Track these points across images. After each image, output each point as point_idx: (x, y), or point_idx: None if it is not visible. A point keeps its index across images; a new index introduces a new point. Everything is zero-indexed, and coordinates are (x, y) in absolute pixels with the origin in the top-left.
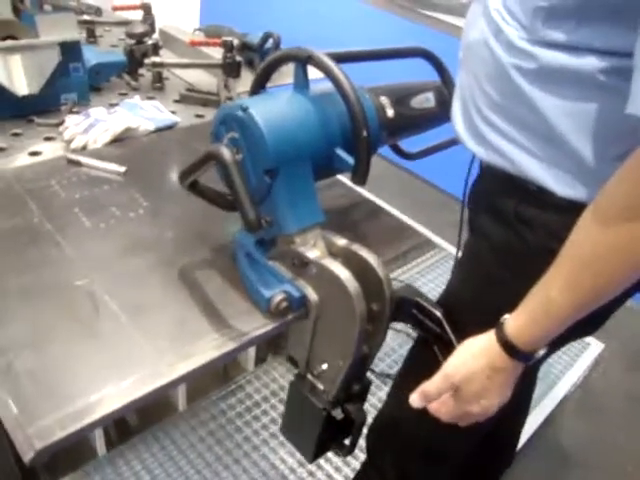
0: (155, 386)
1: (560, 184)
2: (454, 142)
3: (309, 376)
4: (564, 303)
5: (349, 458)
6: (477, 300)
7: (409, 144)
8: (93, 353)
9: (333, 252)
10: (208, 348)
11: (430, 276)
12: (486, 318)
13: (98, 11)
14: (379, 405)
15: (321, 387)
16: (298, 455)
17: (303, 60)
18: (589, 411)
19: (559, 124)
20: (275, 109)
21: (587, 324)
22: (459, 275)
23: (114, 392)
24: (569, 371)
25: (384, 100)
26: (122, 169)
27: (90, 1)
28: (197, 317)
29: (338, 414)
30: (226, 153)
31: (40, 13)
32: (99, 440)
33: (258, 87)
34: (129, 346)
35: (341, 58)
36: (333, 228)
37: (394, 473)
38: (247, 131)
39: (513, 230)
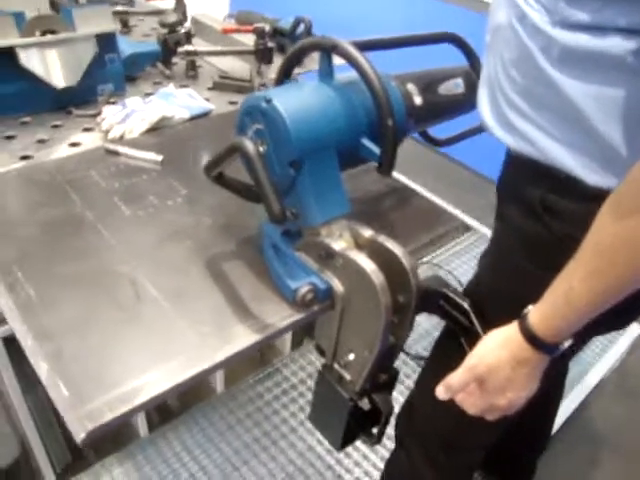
0: (200, 369)
1: (589, 172)
2: (481, 129)
3: (336, 366)
4: (584, 293)
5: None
6: (503, 290)
7: (439, 130)
8: (137, 337)
9: (359, 243)
10: (248, 332)
11: (464, 258)
12: (512, 309)
13: (131, 1)
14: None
15: (348, 377)
16: None
17: (328, 49)
18: (626, 394)
19: (586, 110)
20: (299, 100)
21: (615, 318)
22: (486, 264)
23: (160, 375)
24: (606, 354)
25: (411, 87)
26: (159, 158)
27: None
28: (235, 303)
29: (365, 404)
30: (249, 145)
31: (76, 6)
32: (141, 422)
33: (283, 76)
34: (172, 330)
35: (366, 46)
36: (369, 213)
37: (423, 460)
38: (271, 123)
39: (540, 220)
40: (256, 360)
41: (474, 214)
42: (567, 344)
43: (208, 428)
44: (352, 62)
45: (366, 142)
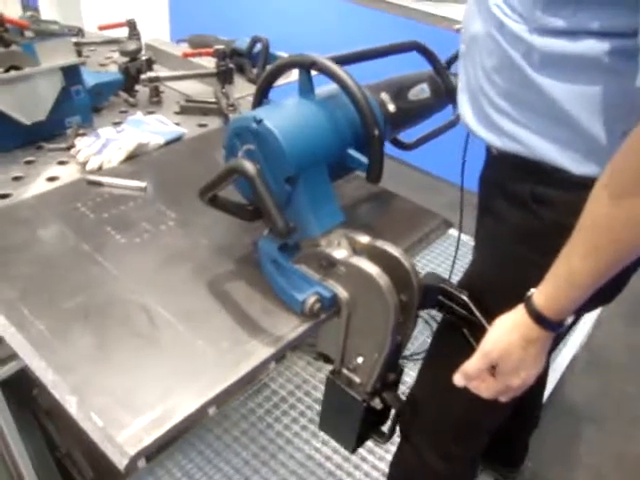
0: (226, 384)
1: (575, 163)
2: (447, 127)
3: (345, 371)
4: (586, 270)
5: None
6: (501, 279)
7: (405, 135)
8: (159, 361)
9: (357, 249)
10: (264, 345)
11: (430, 257)
12: (511, 295)
13: (81, 32)
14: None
15: (358, 380)
16: (332, 443)
17: (307, 66)
18: (597, 368)
19: (569, 108)
20: (288, 118)
21: (606, 292)
22: (480, 257)
23: (188, 395)
24: (574, 332)
25: (384, 96)
26: (143, 184)
27: (67, 23)
28: (248, 315)
29: (377, 404)
30: (249, 166)
31: (38, 41)
32: None
33: (262, 96)
34: (191, 351)
35: (343, 60)
36: (357, 219)
37: (433, 454)
38: (264, 142)
39: (530, 211)
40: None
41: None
42: (570, 320)
43: (205, 450)
44: (333, 77)
45: (353, 153)
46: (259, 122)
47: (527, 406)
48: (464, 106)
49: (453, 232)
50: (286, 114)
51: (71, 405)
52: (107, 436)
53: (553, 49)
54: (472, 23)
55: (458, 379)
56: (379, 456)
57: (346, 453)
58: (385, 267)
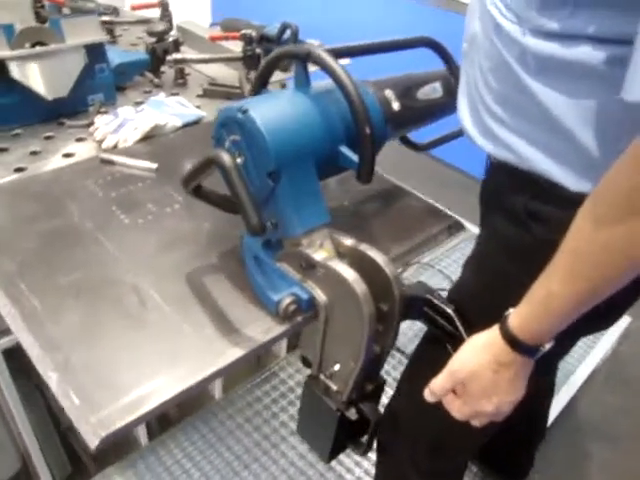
0: (207, 373)
1: (569, 178)
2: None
3: (322, 377)
4: (563, 295)
5: None
6: (486, 295)
7: (418, 135)
8: (144, 344)
9: (341, 252)
10: (253, 335)
11: (454, 256)
12: (495, 313)
13: (115, 11)
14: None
15: (334, 387)
16: None
17: (302, 57)
18: (618, 383)
19: (563, 117)
20: (275, 110)
21: (600, 319)
22: (469, 270)
23: (168, 381)
24: (597, 344)
25: (389, 93)
26: (154, 166)
27: (107, 1)
28: (238, 306)
29: (352, 414)
30: (226, 158)
31: (65, 17)
32: (141, 431)
33: (260, 86)
34: (177, 336)
35: (342, 53)
36: (365, 215)
37: (409, 465)
38: (248, 134)
39: (524, 226)
40: (253, 364)
41: (465, 213)
42: (548, 346)
43: (208, 434)
44: (327, 70)
45: (344, 150)
46: (244, 112)
47: (530, 422)
48: (463, 109)
49: None
50: (275, 106)
51: (52, 381)
52: (82, 415)
53: (547, 53)
54: (472, 21)
55: (427, 394)
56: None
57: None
58: (365, 273)
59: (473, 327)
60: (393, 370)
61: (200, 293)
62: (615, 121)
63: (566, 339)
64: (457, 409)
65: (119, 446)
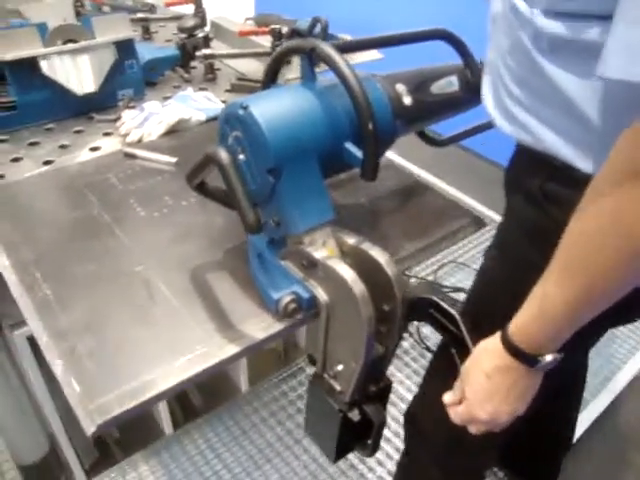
0: (205, 366)
1: (584, 160)
2: (487, 126)
3: (326, 376)
4: (557, 299)
5: None
6: (509, 284)
7: (442, 129)
8: (148, 336)
9: (344, 251)
10: (255, 330)
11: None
12: (518, 304)
13: (152, 8)
14: None
15: (338, 388)
16: None
17: (307, 52)
18: None
19: (577, 99)
20: (277, 105)
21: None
22: (491, 259)
23: (167, 372)
24: (638, 352)
25: (400, 88)
26: (173, 160)
27: None
28: (244, 300)
29: (355, 415)
30: (222, 155)
31: (96, 15)
32: (165, 420)
33: (268, 82)
34: (181, 329)
35: (352, 47)
36: (384, 211)
37: (431, 464)
38: (248, 130)
39: (542, 209)
40: (280, 359)
41: (497, 208)
42: (550, 357)
43: (232, 427)
44: (330, 64)
45: (349, 146)
46: (245, 108)
47: (556, 426)
48: (486, 91)
49: None
50: (277, 101)
51: (57, 368)
52: (81, 401)
53: (560, 33)
54: (494, 1)
55: (446, 398)
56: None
57: None
58: (366, 273)
59: (495, 316)
60: (422, 369)
61: (206, 286)
62: (629, 108)
63: (578, 349)
64: (454, 413)
65: (144, 433)
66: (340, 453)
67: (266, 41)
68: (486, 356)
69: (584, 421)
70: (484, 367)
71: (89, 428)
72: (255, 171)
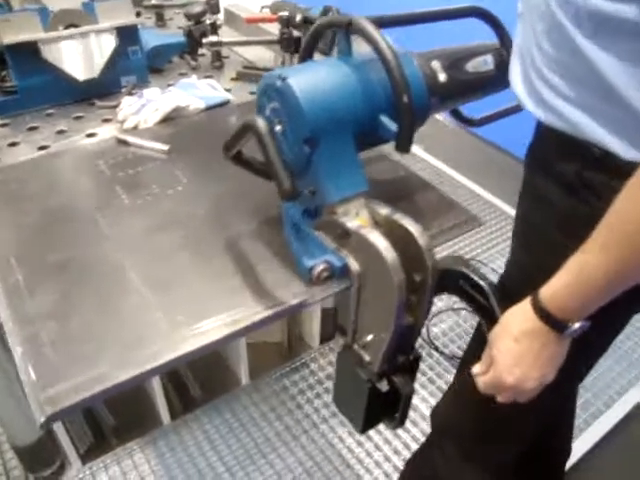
0: (164, 360)
1: (625, 147)
2: (519, 109)
3: (355, 346)
4: (597, 266)
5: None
6: (538, 268)
7: (473, 110)
8: (113, 326)
9: (377, 221)
10: (222, 325)
11: (505, 244)
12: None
13: None
14: None
15: (367, 358)
16: (357, 435)
17: (344, 26)
18: None
19: (618, 83)
20: (314, 77)
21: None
22: (519, 243)
23: (126, 364)
24: None
25: (435, 65)
26: (166, 147)
27: None
28: (217, 293)
29: (383, 386)
30: (260, 123)
31: (98, 0)
32: (163, 410)
33: (305, 57)
34: (147, 320)
35: (386, 23)
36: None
37: (458, 456)
38: (286, 101)
39: (577, 196)
40: (284, 352)
41: (509, 199)
42: (578, 325)
43: (230, 419)
44: (367, 38)
45: (384, 119)
46: (283, 80)
47: (556, 432)
48: (515, 73)
49: None
50: (314, 74)
51: (17, 354)
52: (34, 390)
53: (605, 12)
54: None
55: (475, 369)
56: (403, 457)
57: (369, 449)
58: (399, 243)
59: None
60: (429, 368)
61: (180, 278)
62: None
63: (608, 320)
64: (482, 380)
65: (142, 422)
66: (367, 424)
67: (276, 29)
68: (515, 320)
69: (595, 434)
70: (513, 331)
71: (39, 419)
72: (292, 141)
